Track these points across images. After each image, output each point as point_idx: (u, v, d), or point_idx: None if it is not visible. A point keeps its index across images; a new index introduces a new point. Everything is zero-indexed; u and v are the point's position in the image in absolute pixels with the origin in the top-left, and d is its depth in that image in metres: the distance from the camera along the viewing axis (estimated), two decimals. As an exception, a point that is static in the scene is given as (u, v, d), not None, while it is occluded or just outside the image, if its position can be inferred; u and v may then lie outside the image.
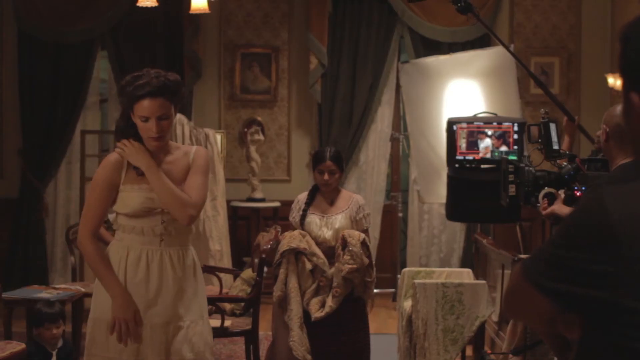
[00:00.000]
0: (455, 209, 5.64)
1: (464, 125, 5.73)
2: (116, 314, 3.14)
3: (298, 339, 4.47)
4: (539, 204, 3.93)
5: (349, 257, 4.48)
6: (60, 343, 4.98)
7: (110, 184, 3.23)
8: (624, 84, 1.52)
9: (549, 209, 3.90)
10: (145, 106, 3.12)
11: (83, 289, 5.84)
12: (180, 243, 3.27)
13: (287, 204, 5.51)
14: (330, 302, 4.51)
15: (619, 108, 3.64)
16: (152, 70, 3.19)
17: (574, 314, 1.49)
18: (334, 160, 4.65)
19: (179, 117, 7.16)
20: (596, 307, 1.42)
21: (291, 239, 4.56)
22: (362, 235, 4.56)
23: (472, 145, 5.72)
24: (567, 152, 4.07)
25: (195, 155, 3.30)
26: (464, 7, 4.64)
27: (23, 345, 4.87)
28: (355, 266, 4.48)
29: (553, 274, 1.47)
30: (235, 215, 8.12)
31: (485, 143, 5.63)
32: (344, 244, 4.52)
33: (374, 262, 4.68)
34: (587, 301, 1.43)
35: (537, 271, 1.51)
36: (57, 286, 6.01)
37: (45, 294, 5.50)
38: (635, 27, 1.49)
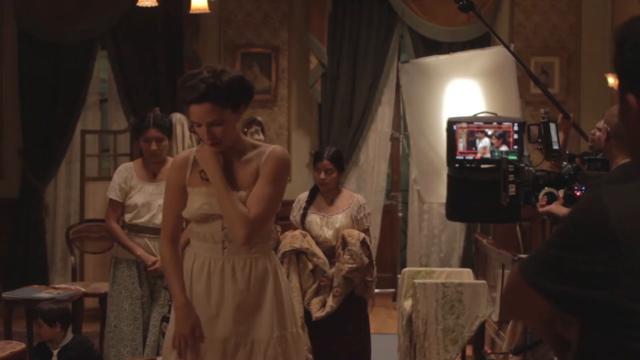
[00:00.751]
0: (455, 209, 5.63)
1: (464, 125, 5.72)
2: (176, 327, 2.98)
3: (299, 339, 4.47)
4: (538, 202, 3.92)
5: (348, 257, 4.48)
6: (65, 342, 4.92)
7: (175, 184, 3.06)
8: (621, 85, 1.51)
9: (546, 207, 3.90)
10: (193, 112, 2.90)
11: (83, 289, 5.84)
12: (249, 251, 3.00)
13: (287, 204, 5.50)
14: (331, 302, 4.51)
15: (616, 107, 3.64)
16: (208, 69, 2.92)
17: (573, 314, 1.49)
18: (331, 159, 4.65)
19: (179, 117, 7.16)
20: (595, 307, 1.42)
21: (293, 239, 4.56)
22: (362, 235, 4.56)
23: (472, 145, 5.72)
24: (568, 152, 4.07)
25: (267, 159, 2.98)
26: (466, 5, 4.63)
27: (23, 345, 4.87)
28: (355, 265, 4.48)
29: (551, 274, 1.47)
30: (236, 215, 8.11)
31: (484, 143, 5.62)
32: (344, 243, 4.52)
33: (374, 262, 4.68)
34: (586, 302, 1.43)
35: (535, 272, 1.50)
36: (57, 286, 6.01)
37: (45, 294, 5.50)
38: (631, 28, 1.48)
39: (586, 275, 1.42)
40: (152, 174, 4.83)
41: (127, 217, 4.78)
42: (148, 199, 4.77)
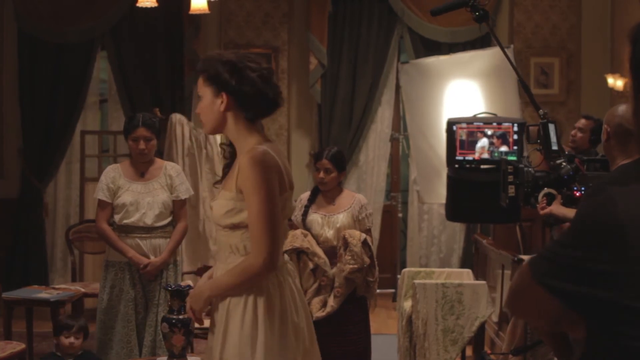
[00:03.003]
0: (455, 209, 5.63)
1: (464, 125, 5.73)
2: None
3: (298, 338, 4.47)
4: (538, 204, 3.92)
5: (349, 257, 4.48)
6: (78, 353, 4.77)
7: None
8: (634, 84, 1.52)
9: (547, 209, 3.90)
10: None
11: (83, 289, 5.84)
12: (227, 265, 2.84)
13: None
14: (331, 302, 4.51)
15: (620, 108, 3.64)
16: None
17: (580, 313, 1.50)
18: (330, 159, 4.66)
19: (179, 117, 7.16)
20: (603, 306, 1.43)
21: (293, 239, 4.56)
22: (363, 235, 4.56)
23: (472, 145, 5.72)
24: (567, 153, 4.07)
25: (240, 171, 2.75)
26: (482, 16, 4.57)
27: (23, 346, 4.88)
28: (356, 266, 4.48)
29: (561, 273, 1.48)
30: (235, 216, 8.10)
31: (482, 143, 5.63)
32: (345, 244, 4.52)
33: (376, 262, 4.67)
34: (595, 301, 1.44)
35: (544, 271, 1.51)
36: (57, 286, 6.02)
37: (45, 294, 5.50)
38: None
39: (595, 275, 1.43)
40: (140, 173, 4.84)
41: (117, 217, 4.79)
42: (136, 198, 4.77)
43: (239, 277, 2.74)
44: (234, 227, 2.78)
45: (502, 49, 4.47)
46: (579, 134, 6.09)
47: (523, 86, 4.70)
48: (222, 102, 2.81)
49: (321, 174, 4.66)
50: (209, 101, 2.83)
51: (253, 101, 2.83)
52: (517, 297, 1.64)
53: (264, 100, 2.86)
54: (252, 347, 2.73)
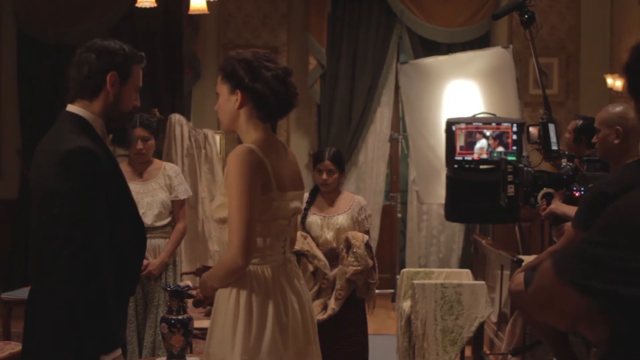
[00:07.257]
0: (454, 210, 5.64)
1: (463, 125, 5.73)
2: None
3: (298, 340, 4.46)
4: (538, 205, 3.93)
5: (353, 259, 4.47)
6: None
7: None
8: None
9: (548, 209, 3.91)
10: None
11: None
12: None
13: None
14: (333, 305, 4.50)
15: (620, 109, 3.64)
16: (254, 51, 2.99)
17: (611, 313, 1.48)
18: (332, 159, 4.65)
19: (178, 118, 7.17)
20: (636, 305, 1.42)
21: (293, 241, 4.56)
22: (366, 237, 4.55)
23: (471, 145, 5.72)
24: (567, 153, 4.08)
25: (226, 167, 2.85)
26: (529, 19, 4.48)
27: (22, 346, 4.87)
28: (359, 268, 4.46)
29: (593, 272, 1.46)
30: (235, 216, 8.10)
31: (481, 144, 5.63)
32: (348, 245, 4.51)
33: (376, 264, 4.67)
34: (627, 300, 1.42)
35: (574, 270, 1.49)
36: (56, 286, 6.00)
37: (44, 294, 5.49)
38: None
39: (628, 273, 1.42)
40: (138, 173, 4.84)
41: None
42: (135, 198, 4.75)
43: (217, 270, 2.84)
44: (222, 221, 2.84)
45: (536, 60, 4.44)
46: (567, 135, 6.09)
47: (542, 87, 4.71)
48: (236, 99, 2.85)
49: (324, 176, 4.65)
50: (225, 98, 2.89)
51: (266, 100, 2.85)
52: (540, 299, 1.60)
53: (277, 100, 2.87)
54: (232, 342, 2.77)
